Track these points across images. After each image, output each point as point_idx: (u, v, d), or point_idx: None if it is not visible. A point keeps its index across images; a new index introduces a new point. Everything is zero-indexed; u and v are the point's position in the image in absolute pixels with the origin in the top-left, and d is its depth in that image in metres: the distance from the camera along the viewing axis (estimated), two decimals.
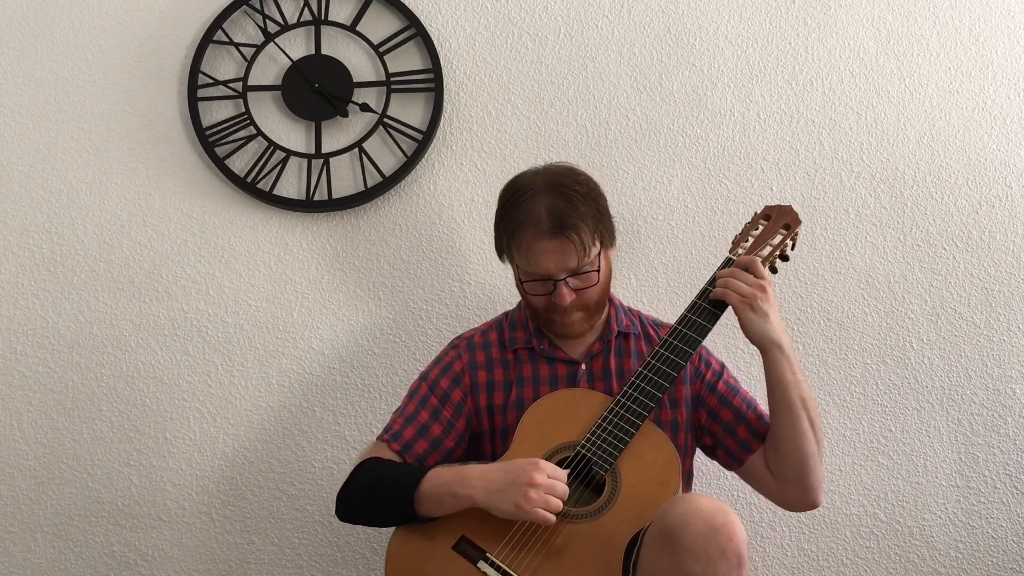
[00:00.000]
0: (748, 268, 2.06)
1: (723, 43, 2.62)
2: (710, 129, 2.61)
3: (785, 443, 2.07)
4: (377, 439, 2.16)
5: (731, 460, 2.18)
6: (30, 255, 2.62)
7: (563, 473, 1.94)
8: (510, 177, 2.19)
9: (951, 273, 2.57)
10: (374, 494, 2.04)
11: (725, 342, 2.43)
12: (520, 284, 2.15)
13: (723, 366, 2.24)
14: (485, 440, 2.18)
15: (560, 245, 2.05)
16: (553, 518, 1.91)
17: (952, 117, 2.59)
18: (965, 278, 2.56)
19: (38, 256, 2.62)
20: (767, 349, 2.05)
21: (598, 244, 2.10)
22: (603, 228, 2.12)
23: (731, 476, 2.50)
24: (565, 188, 2.09)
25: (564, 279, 2.08)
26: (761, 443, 2.14)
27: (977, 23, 2.59)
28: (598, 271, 2.10)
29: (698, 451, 2.25)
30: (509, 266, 2.23)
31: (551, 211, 2.05)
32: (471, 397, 2.18)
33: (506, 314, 2.29)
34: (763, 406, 2.19)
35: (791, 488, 2.10)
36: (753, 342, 2.05)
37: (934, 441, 2.55)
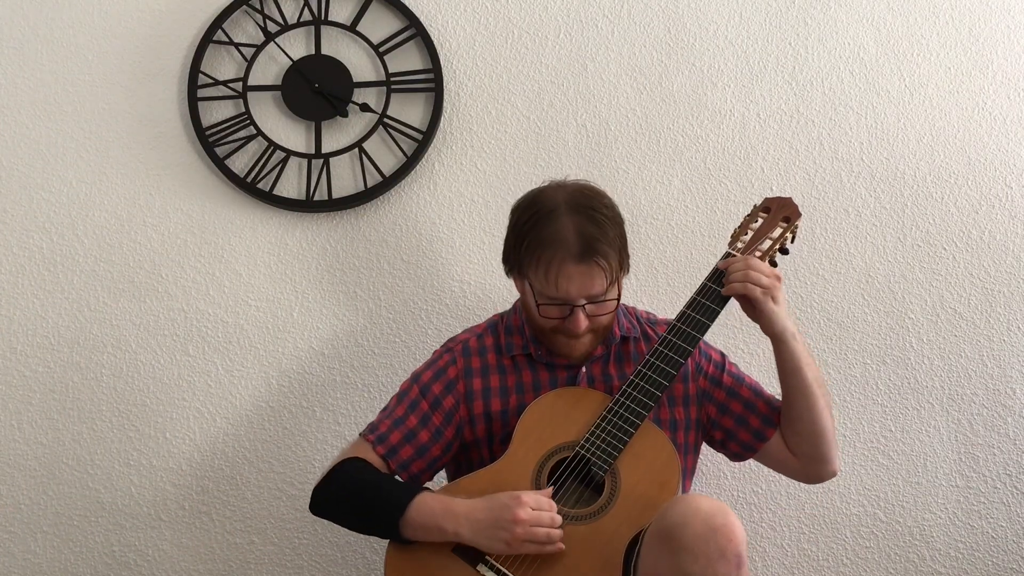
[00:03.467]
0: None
1: (723, 43, 2.61)
2: (710, 129, 2.61)
3: (804, 424, 2.08)
4: (361, 436, 2.13)
5: (744, 450, 2.18)
6: (30, 255, 2.62)
7: (548, 503, 1.93)
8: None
9: (951, 273, 2.56)
10: (356, 504, 2.02)
11: (725, 342, 2.43)
12: (533, 304, 2.08)
13: (723, 356, 2.24)
14: (482, 447, 2.15)
15: (588, 270, 2.00)
16: (554, 547, 1.90)
17: (952, 117, 2.59)
18: (965, 278, 2.56)
19: (38, 256, 2.62)
20: (784, 339, 2.04)
21: (618, 272, 2.06)
22: (624, 255, 2.07)
23: (731, 476, 2.51)
24: (593, 211, 2.03)
25: (583, 305, 2.03)
26: (774, 429, 2.14)
27: (977, 23, 2.59)
28: (617, 299, 2.08)
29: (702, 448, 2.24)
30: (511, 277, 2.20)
31: (581, 234, 1.99)
32: (464, 404, 2.15)
33: (501, 316, 2.26)
34: (768, 389, 2.19)
35: (812, 464, 2.13)
36: (770, 334, 2.05)
37: (934, 441, 2.55)
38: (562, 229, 2.00)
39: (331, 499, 2.07)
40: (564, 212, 2.02)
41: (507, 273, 2.16)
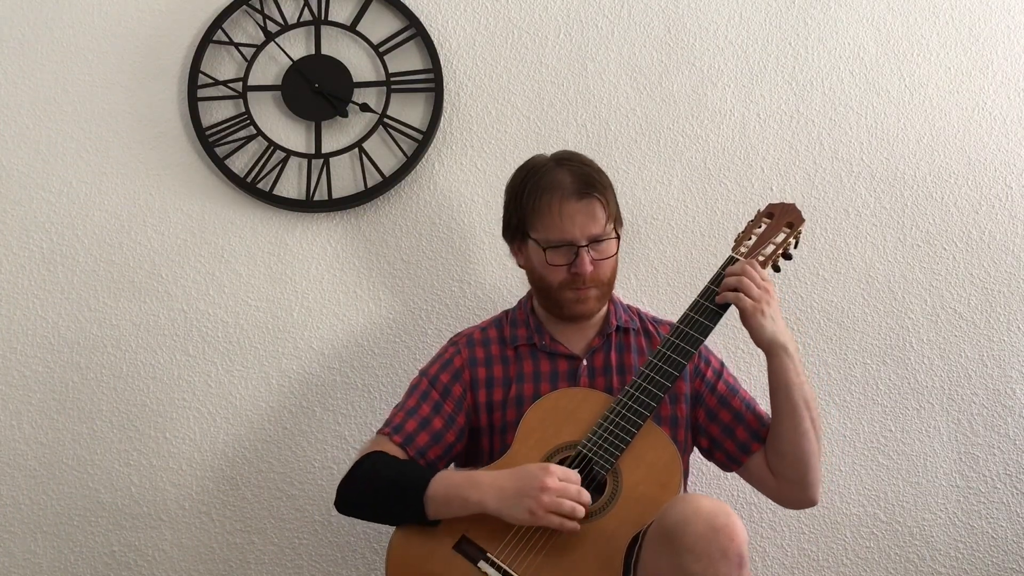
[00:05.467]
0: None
1: (723, 43, 2.62)
2: (710, 129, 2.61)
3: (787, 443, 2.07)
4: (377, 433, 2.16)
5: (729, 462, 2.18)
6: (30, 255, 2.62)
7: (575, 475, 1.93)
8: (510, 177, 2.20)
9: (951, 273, 2.57)
10: (379, 490, 2.03)
11: (725, 342, 2.43)
12: (541, 257, 2.12)
13: (723, 364, 2.25)
14: (484, 436, 2.18)
15: (588, 206, 2.08)
16: (574, 525, 1.90)
17: (952, 117, 2.59)
18: (965, 278, 2.56)
19: (38, 256, 2.62)
20: (774, 352, 2.04)
21: (613, 219, 2.13)
22: (616, 205, 2.16)
23: (732, 476, 2.51)
24: (581, 161, 2.16)
25: (586, 246, 2.09)
26: (760, 444, 2.14)
27: (977, 23, 2.59)
28: (617, 239, 2.13)
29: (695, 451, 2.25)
30: (514, 258, 2.23)
31: (576, 175, 2.10)
32: (470, 393, 2.18)
33: (506, 312, 2.29)
34: (762, 405, 2.19)
35: (791, 487, 2.11)
36: (760, 345, 2.05)
37: (934, 441, 2.55)
38: (558, 175, 2.12)
39: (355, 493, 2.08)
40: (555, 164, 2.15)
41: (510, 243, 2.23)
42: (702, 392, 2.20)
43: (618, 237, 2.15)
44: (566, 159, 2.16)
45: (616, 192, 2.17)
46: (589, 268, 2.09)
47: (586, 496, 1.92)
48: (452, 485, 1.97)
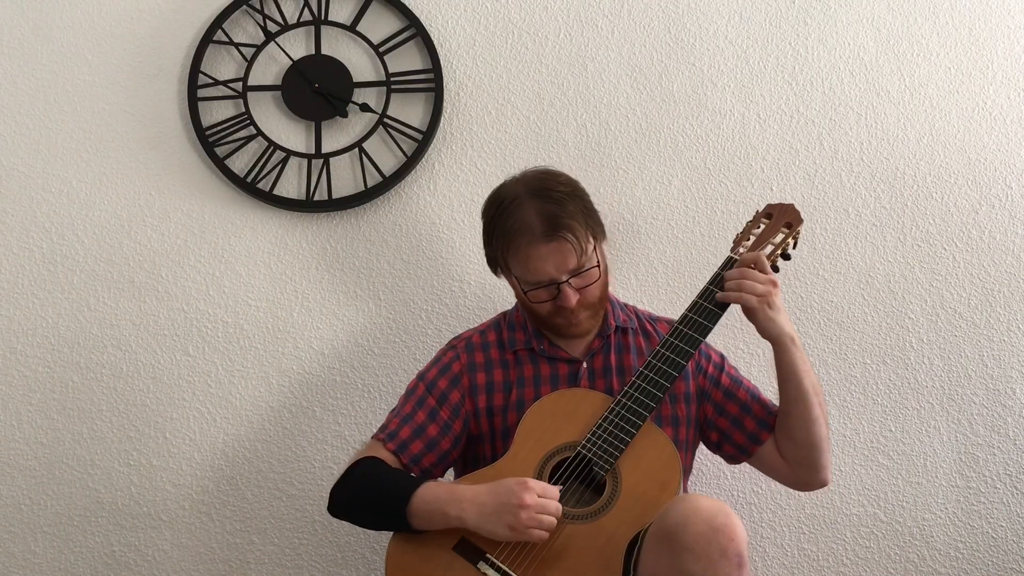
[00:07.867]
0: (755, 265, 2.06)
1: (723, 43, 2.61)
2: (710, 129, 2.61)
3: (799, 431, 2.09)
4: (372, 438, 2.16)
5: (739, 453, 2.19)
6: (30, 255, 2.62)
7: (554, 490, 1.94)
8: (507, 179, 2.19)
9: (951, 273, 2.57)
10: (366, 499, 2.04)
11: (725, 341, 2.43)
12: (523, 295, 2.13)
13: (723, 357, 2.25)
14: (484, 442, 2.18)
15: (558, 247, 2.05)
16: (546, 535, 1.91)
17: (952, 117, 2.59)
18: (965, 278, 2.56)
19: (38, 256, 2.62)
20: (781, 343, 2.05)
21: (591, 240, 2.10)
22: (593, 223, 2.12)
23: (731, 476, 2.51)
24: (549, 191, 2.09)
25: (567, 281, 2.07)
26: (769, 433, 2.15)
27: (977, 23, 2.59)
28: (598, 266, 2.11)
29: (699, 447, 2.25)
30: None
31: (542, 215, 2.05)
32: (469, 398, 2.17)
33: (504, 314, 2.29)
34: (765, 393, 2.20)
35: (804, 471, 2.13)
36: (768, 338, 2.06)
37: (934, 441, 2.55)
38: (524, 215, 2.06)
39: (345, 499, 2.09)
40: (524, 199, 2.08)
41: (495, 272, 2.22)
42: (706, 388, 2.20)
43: (599, 264, 2.10)
44: (534, 191, 2.08)
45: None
46: (574, 300, 2.08)
47: (560, 510, 1.92)
48: (433, 500, 1.96)
